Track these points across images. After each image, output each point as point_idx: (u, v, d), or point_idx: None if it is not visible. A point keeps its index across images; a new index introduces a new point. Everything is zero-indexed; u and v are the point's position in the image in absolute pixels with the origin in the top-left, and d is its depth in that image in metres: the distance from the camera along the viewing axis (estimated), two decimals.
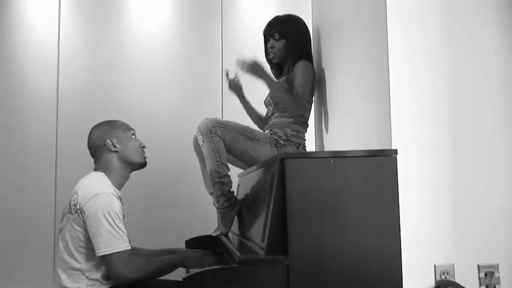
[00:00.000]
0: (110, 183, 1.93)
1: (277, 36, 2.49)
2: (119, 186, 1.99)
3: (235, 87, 2.54)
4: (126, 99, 3.25)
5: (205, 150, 2.22)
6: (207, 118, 2.26)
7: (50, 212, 3.12)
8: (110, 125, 2.05)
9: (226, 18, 3.36)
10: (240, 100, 2.62)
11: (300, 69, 2.38)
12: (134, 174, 2.08)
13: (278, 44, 2.49)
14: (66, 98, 3.22)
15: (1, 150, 3.16)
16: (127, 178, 2.04)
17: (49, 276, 3.04)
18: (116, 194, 1.88)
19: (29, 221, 3.11)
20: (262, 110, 2.71)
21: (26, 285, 3.05)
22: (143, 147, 2.07)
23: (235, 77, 2.51)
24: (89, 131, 2.08)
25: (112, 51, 3.28)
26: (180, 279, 1.49)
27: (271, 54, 2.52)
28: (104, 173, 1.96)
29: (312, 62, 2.53)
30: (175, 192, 3.19)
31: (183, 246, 2.50)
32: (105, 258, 1.78)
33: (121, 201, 1.93)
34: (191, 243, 2.51)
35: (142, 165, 2.07)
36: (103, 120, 2.11)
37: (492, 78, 2.21)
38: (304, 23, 2.57)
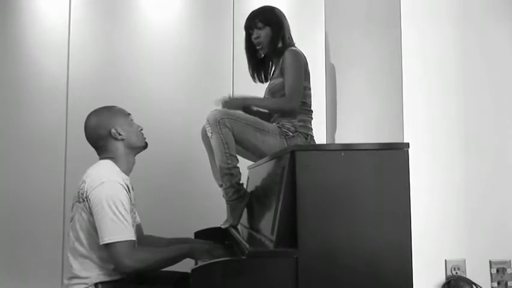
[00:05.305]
0: (119, 170, 1.93)
1: (260, 25, 2.44)
2: (127, 171, 1.99)
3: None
4: (136, 88, 3.24)
5: (214, 142, 2.21)
6: (216, 109, 2.25)
7: (60, 202, 3.13)
8: (109, 112, 2.01)
9: (238, 8, 3.34)
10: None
11: (289, 60, 2.33)
12: (143, 165, 2.07)
13: (263, 32, 2.44)
14: (76, 87, 3.22)
15: (11, 139, 3.18)
16: (134, 162, 2.04)
17: (58, 266, 3.06)
18: (123, 183, 1.86)
19: (38, 210, 3.12)
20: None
21: (35, 274, 3.07)
22: (141, 129, 2.06)
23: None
24: None
25: (122, 41, 3.28)
26: (189, 270, 1.49)
27: (259, 45, 2.47)
28: (112, 161, 1.96)
29: (294, 45, 2.46)
30: (185, 184, 3.18)
31: (192, 238, 2.50)
32: (107, 247, 1.77)
33: (130, 190, 1.92)
34: (200, 235, 2.50)
35: (144, 147, 2.07)
36: None
37: (502, 76, 2.20)
38: (280, 9, 2.52)
